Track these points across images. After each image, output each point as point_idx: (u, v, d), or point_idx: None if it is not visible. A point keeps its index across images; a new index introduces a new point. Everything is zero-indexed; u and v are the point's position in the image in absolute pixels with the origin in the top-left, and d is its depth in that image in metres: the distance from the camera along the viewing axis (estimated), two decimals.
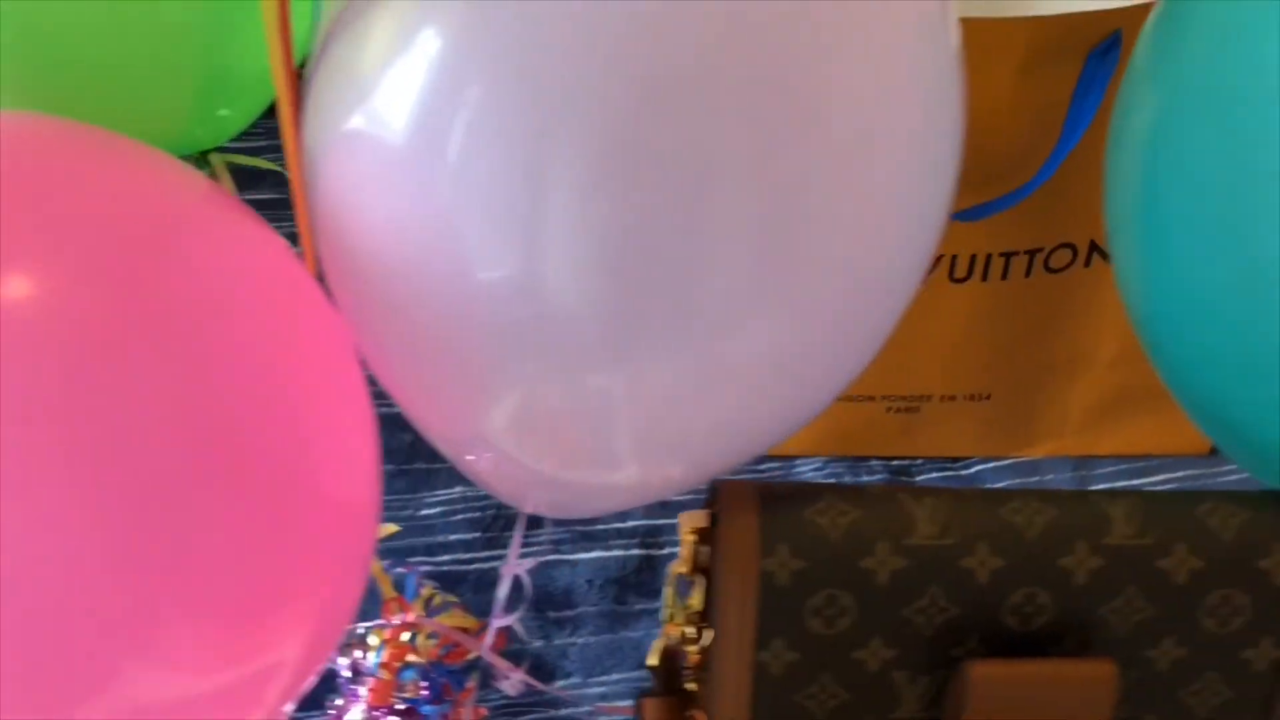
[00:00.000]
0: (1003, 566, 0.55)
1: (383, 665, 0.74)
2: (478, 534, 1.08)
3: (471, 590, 1.04)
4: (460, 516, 1.09)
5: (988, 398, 0.97)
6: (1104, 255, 0.82)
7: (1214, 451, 0.94)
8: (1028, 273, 0.89)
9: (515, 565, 0.70)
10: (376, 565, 0.75)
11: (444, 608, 0.78)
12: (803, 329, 0.55)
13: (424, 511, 1.08)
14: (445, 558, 1.05)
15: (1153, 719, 0.58)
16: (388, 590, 0.75)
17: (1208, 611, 0.56)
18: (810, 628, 0.55)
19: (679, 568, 0.58)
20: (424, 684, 0.75)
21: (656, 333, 0.53)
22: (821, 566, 0.55)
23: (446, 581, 1.03)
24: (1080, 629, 0.56)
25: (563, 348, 0.54)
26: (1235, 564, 0.55)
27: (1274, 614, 0.56)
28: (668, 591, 0.59)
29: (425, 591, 0.78)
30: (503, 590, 0.73)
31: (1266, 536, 0.56)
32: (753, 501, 0.55)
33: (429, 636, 0.76)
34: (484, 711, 0.79)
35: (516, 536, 0.71)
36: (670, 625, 0.59)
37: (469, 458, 0.63)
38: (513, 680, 0.77)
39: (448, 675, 0.76)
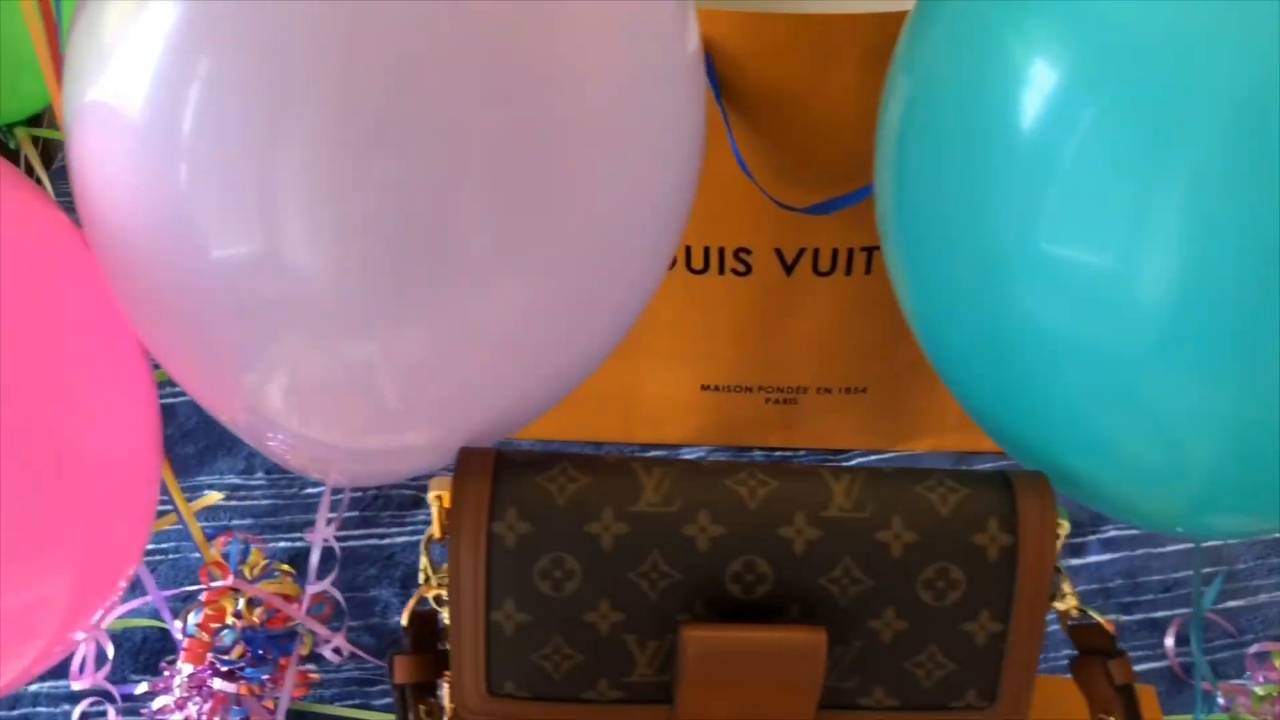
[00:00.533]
0: (723, 534, 0.57)
1: (200, 626, 0.77)
2: (355, 512, 1.11)
3: (340, 567, 1.07)
4: (340, 495, 1.12)
5: (864, 390, 0.99)
6: None
7: None
8: None
9: (321, 533, 0.73)
10: (198, 531, 0.78)
11: (270, 575, 0.81)
12: (551, 292, 0.57)
13: (308, 490, 1.11)
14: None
15: (881, 690, 0.60)
16: (207, 555, 0.78)
17: (925, 584, 0.58)
18: (539, 589, 0.58)
19: (431, 532, 0.60)
20: (248, 648, 0.78)
21: (406, 301, 0.55)
22: (548, 530, 0.57)
23: (321, 556, 1.07)
24: (802, 599, 0.58)
25: (315, 324, 0.56)
26: (950, 538, 0.57)
27: (990, 589, 0.58)
28: (423, 556, 0.61)
29: (254, 557, 0.81)
30: (314, 557, 0.76)
31: (982, 513, 0.58)
32: (487, 467, 0.58)
33: (252, 603, 0.78)
34: (314, 677, 0.82)
35: (323, 506, 0.73)
36: (424, 587, 0.62)
37: (266, 436, 0.66)
38: (333, 645, 0.80)
39: (269, 640, 0.79)
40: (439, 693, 0.63)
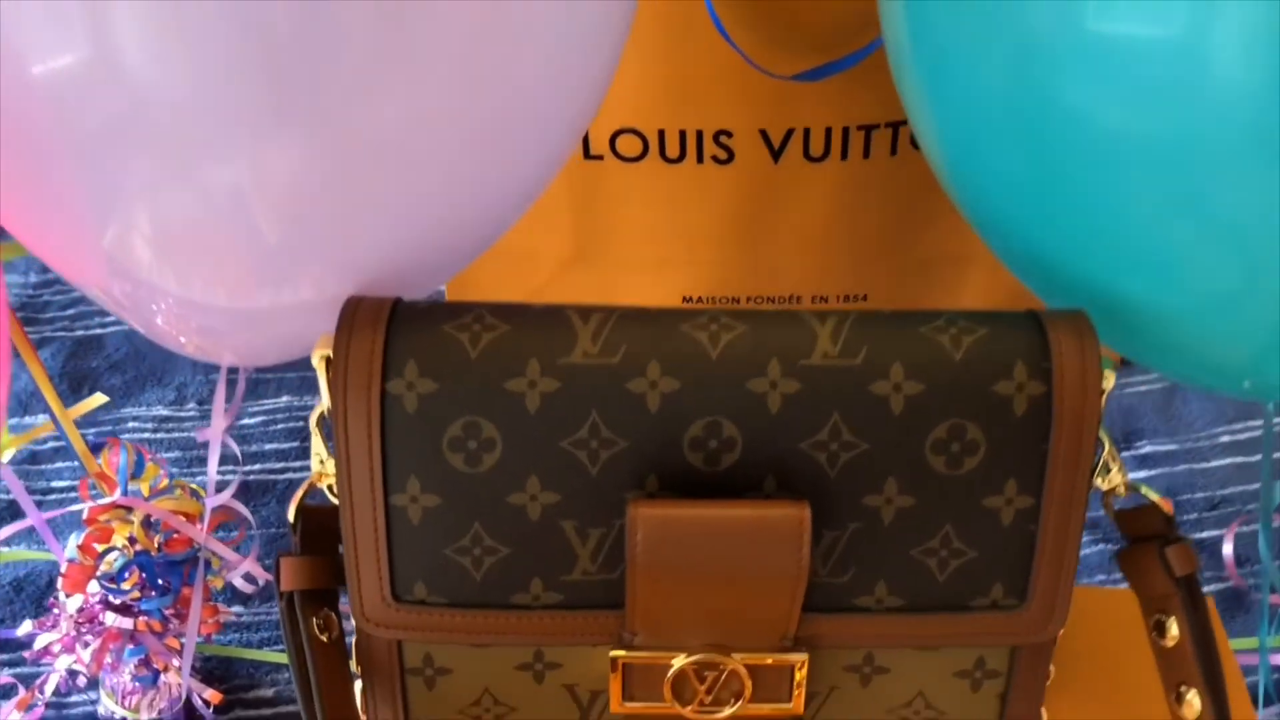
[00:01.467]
0: (679, 390, 0.46)
1: (81, 549, 0.66)
2: (295, 444, 1.00)
3: (277, 500, 0.96)
4: (280, 426, 1.01)
5: (864, 298, 0.87)
6: None
7: (1125, 362, 0.84)
8: (892, 150, 0.79)
9: (216, 430, 0.62)
10: (77, 437, 0.67)
11: (169, 491, 0.70)
12: (447, 95, 0.46)
13: (244, 421, 1.01)
14: (255, 467, 0.97)
15: (883, 585, 0.48)
16: (90, 465, 0.67)
17: (935, 448, 0.46)
18: (450, 465, 0.46)
19: (322, 407, 0.49)
20: (145, 577, 0.67)
21: (275, 107, 0.44)
22: (458, 389, 0.46)
23: (254, 491, 0.95)
24: (780, 470, 0.46)
25: (170, 146, 0.45)
26: (965, 388, 0.45)
27: (1017, 452, 0.46)
28: (314, 436, 0.50)
29: (149, 471, 0.70)
30: (212, 462, 0.65)
31: (1006, 355, 0.46)
32: (380, 315, 0.46)
33: (151, 525, 0.67)
34: (226, 613, 0.71)
35: (218, 399, 0.62)
36: (316, 475, 0.50)
37: (148, 310, 0.55)
38: (241, 571, 0.69)
39: (168, 567, 0.68)
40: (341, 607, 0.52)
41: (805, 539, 0.45)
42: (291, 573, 0.49)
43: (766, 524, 0.44)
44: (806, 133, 0.77)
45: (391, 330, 0.46)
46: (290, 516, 0.50)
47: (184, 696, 0.71)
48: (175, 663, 0.69)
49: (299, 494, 0.50)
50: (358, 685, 0.52)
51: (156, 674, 0.70)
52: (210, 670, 0.78)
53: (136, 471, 0.68)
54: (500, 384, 0.45)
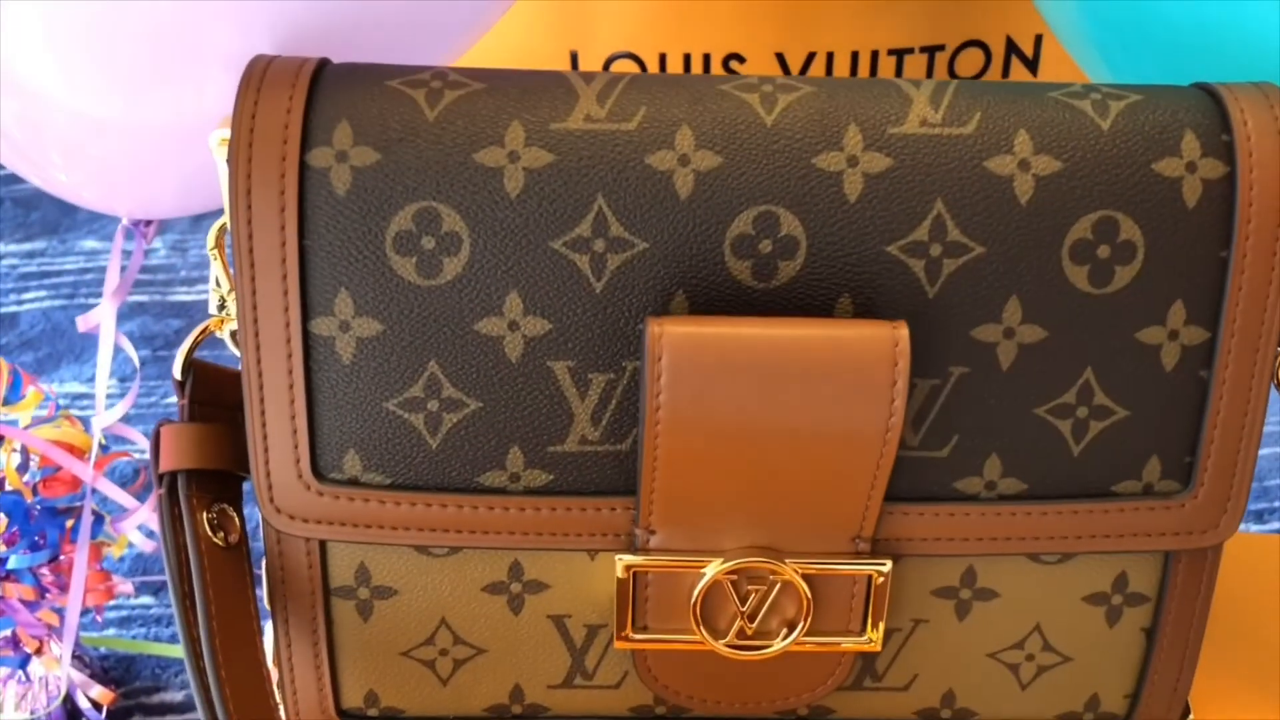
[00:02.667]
0: (720, 168, 0.33)
1: None
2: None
3: None
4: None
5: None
6: (1025, 58, 0.62)
7: None
8: (928, 77, 0.68)
9: (107, 311, 0.49)
10: None
11: (53, 420, 0.56)
12: None
13: (168, 401, 0.88)
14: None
15: (998, 462, 0.35)
16: None
17: (1076, 253, 0.33)
18: (396, 273, 0.33)
19: (224, 218, 0.36)
20: (16, 526, 0.53)
21: None
22: (409, 160, 0.32)
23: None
24: (860, 285, 0.33)
25: None
26: (1117, 168, 0.33)
27: (1188, 261, 0.34)
28: (214, 265, 0.37)
29: (31, 397, 0.56)
30: (102, 356, 0.51)
31: (1171, 125, 0.34)
32: (300, 73, 0.33)
33: (25, 463, 0.54)
34: (124, 588, 0.57)
35: (113, 262, 0.49)
36: (216, 321, 0.37)
37: (54, 162, 0.42)
38: (134, 519, 0.55)
39: (47, 516, 0.54)
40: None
41: (902, 377, 0.32)
42: (175, 446, 0.36)
43: (843, 352, 0.31)
44: (830, 57, 0.65)
45: (317, 90, 0.33)
46: (176, 372, 0.37)
47: (63, 692, 0.57)
48: (55, 648, 0.55)
49: (188, 343, 0.37)
50: (267, 627, 0.38)
51: (27, 657, 0.55)
52: (107, 669, 0.64)
53: (11, 396, 0.55)
54: (469, 155, 0.32)
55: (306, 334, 0.33)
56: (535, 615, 0.37)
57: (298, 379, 0.33)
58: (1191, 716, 0.41)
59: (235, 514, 0.37)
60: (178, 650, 0.64)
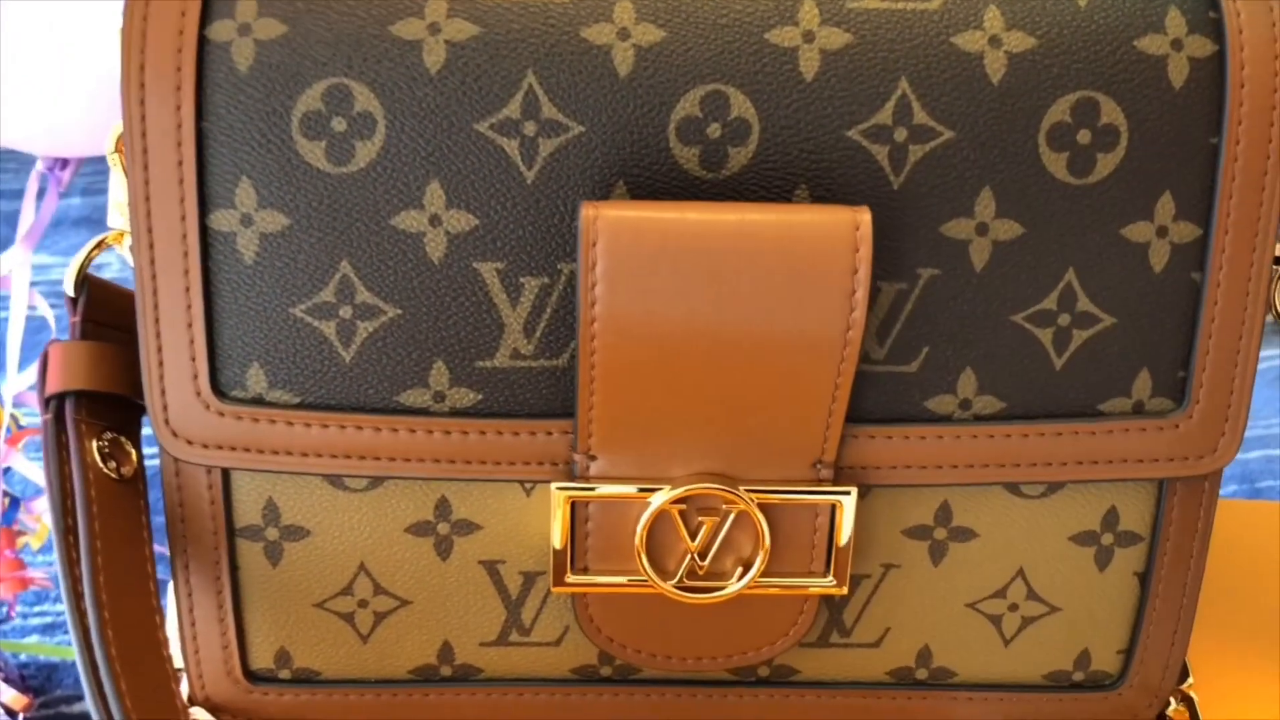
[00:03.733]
0: (663, 42, 0.30)
1: None
2: None
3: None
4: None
5: None
6: None
7: None
8: None
9: (20, 260, 0.45)
10: None
11: None
12: None
13: None
14: None
15: (972, 377, 0.32)
16: None
17: (1054, 139, 0.30)
18: (304, 159, 0.29)
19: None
20: None
21: None
22: (318, 33, 0.29)
23: None
24: (818, 174, 0.30)
25: None
26: (1096, 46, 0.30)
27: (1175, 148, 0.31)
28: (114, 173, 0.34)
29: None
30: (12, 335, 0.47)
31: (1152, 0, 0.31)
32: None
33: None
34: (34, 577, 0.53)
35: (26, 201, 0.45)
36: (116, 234, 0.34)
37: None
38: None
39: None
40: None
41: (864, 265, 0.29)
42: (63, 365, 0.32)
43: (799, 238, 0.28)
44: None
45: None
46: (68, 287, 0.34)
47: None
48: None
49: (82, 255, 0.33)
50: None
51: None
52: (26, 677, 0.59)
53: None
54: (384, 27, 0.29)
55: (205, 230, 0.30)
56: (465, 561, 0.34)
57: (194, 281, 0.30)
58: (1191, 680, 0.38)
59: (132, 449, 0.33)
60: None
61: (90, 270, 0.34)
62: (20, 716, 0.54)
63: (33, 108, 0.41)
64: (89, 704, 0.31)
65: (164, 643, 0.32)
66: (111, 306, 0.34)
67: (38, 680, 0.60)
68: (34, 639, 0.62)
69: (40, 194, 0.46)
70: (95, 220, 0.88)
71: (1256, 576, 0.43)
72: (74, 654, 0.60)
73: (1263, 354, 0.87)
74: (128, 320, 0.33)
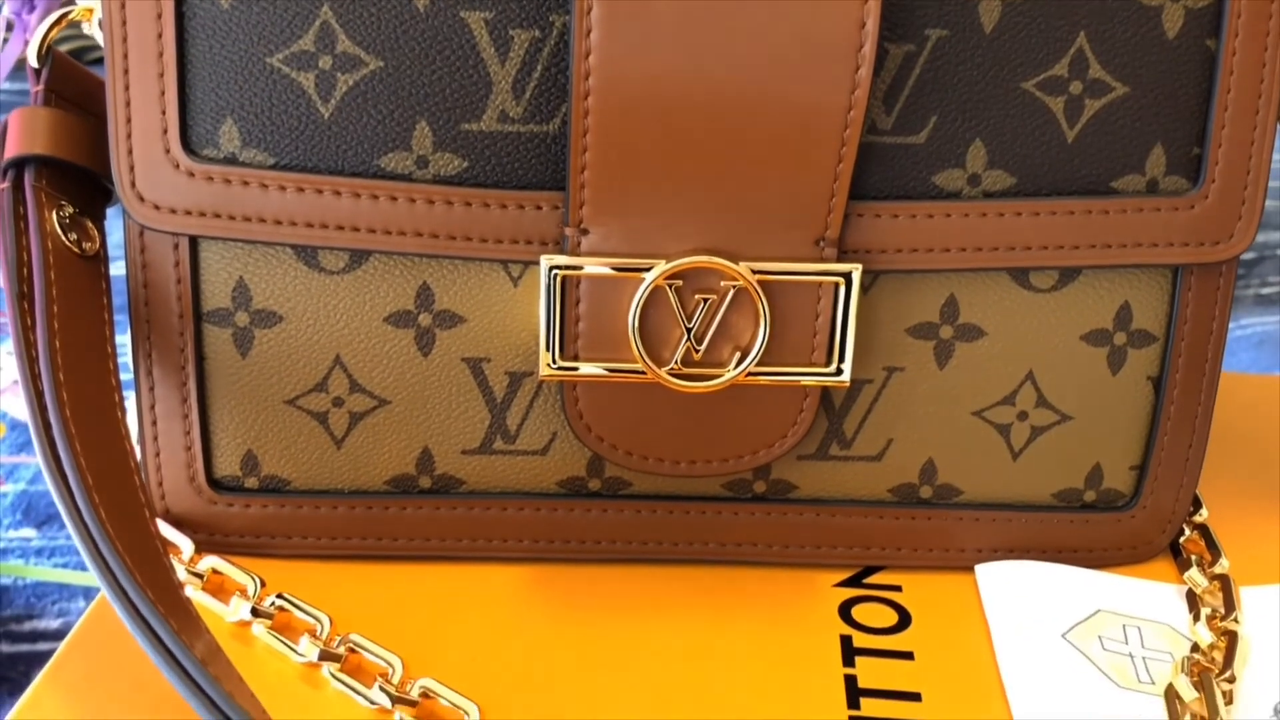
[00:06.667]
0: None
1: None
2: None
3: None
4: None
5: None
6: None
7: None
8: None
9: None
10: None
11: None
12: None
13: None
14: None
15: (981, 149, 0.30)
16: None
17: None
18: None
19: None
20: None
21: None
22: None
23: None
24: None
25: None
26: None
27: None
28: None
29: None
30: None
31: None
32: None
33: None
34: None
35: None
36: (84, 8, 0.32)
37: None
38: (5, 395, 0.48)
39: None
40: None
41: (871, 17, 0.27)
42: (24, 129, 0.30)
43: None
44: None
45: None
46: (31, 59, 0.32)
47: None
48: None
49: (46, 25, 0.32)
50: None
51: None
52: None
53: None
54: None
55: None
56: (448, 357, 0.32)
57: (167, 26, 0.28)
58: (1205, 512, 0.36)
59: (95, 230, 0.31)
60: (57, 573, 0.57)
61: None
62: None
63: None
64: (49, 486, 0.28)
65: (126, 434, 0.30)
66: (77, 85, 0.32)
67: None
68: None
69: (5, 39, 0.44)
70: None
71: (1266, 448, 0.42)
72: (26, 572, 0.58)
73: (1243, 321, 0.87)
74: (95, 105, 0.32)
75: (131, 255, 0.31)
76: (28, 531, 0.62)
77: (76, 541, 0.28)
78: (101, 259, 0.31)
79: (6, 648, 0.55)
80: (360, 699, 0.29)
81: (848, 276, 0.30)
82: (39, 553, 0.61)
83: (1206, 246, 0.31)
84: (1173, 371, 0.33)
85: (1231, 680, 0.30)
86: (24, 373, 0.29)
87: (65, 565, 0.59)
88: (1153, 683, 0.31)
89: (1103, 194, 0.31)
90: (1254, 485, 0.40)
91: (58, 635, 0.56)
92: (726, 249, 0.30)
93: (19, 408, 0.49)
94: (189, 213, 0.30)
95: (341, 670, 0.30)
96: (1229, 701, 0.30)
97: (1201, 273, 0.32)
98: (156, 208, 0.29)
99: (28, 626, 0.57)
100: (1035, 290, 0.32)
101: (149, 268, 0.31)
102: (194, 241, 0.31)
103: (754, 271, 0.30)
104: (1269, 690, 0.31)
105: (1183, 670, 0.31)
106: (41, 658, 0.56)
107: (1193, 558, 0.35)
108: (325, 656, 0.30)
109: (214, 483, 0.33)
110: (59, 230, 0.30)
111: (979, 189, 0.31)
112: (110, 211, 0.33)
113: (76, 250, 0.30)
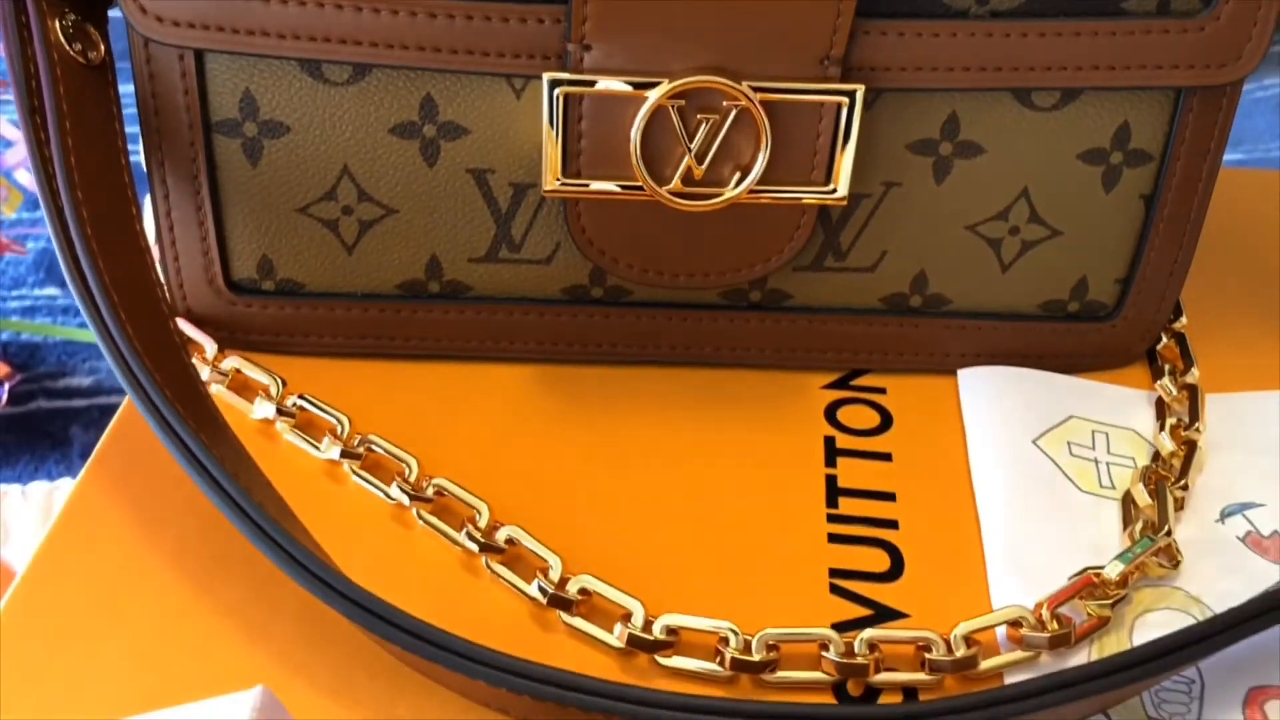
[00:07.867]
0: None
1: None
2: None
3: None
4: None
5: None
6: None
7: None
8: None
9: None
10: None
11: None
12: None
13: None
14: None
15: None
16: None
17: None
18: None
19: None
20: None
21: None
22: None
23: None
24: None
25: None
26: None
27: None
28: None
29: None
30: None
31: None
32: None
33: None
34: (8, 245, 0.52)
35: None
36: None
37: None
38: (13, 152, 0.49)
39: None
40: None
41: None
42: None
43: None
44: None
45: None
46: None
47: None
48: None
49: None
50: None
51: None
52: (9, 354, 0.59)
53: None
54: None
55: None
56: (452, 168, 0.33)
57: None
58: (1185, 320, 0.37)
59: (99, 38, 0.32)
60: (87, 334, 0.59)
61: None
62: (5, 385, 0.54)
63: None
64: (73, 295, 0.30)
65: (145, 245, 0.31)
66: None
67: (20, 358, 0.60)
68: (15, 320, 0.62)
69: None
70: None
71: (1256, 240, 0.42)
72: (58, 332, 0.60)
73: (1266, 82, 0.86)
74: None
75: (138, 67, 0.31)
76: (52, 290, 0.64)
77: (101, 345, 0.29)
78: (108, 67, 0.31)
79: (44, 403, 0.58)
80: (380, 493, 0.32)
81: (851, 96, 0.31)
82: (65, 311, 0.63)
83: (1213, 69, 0.31)
84: (1165, 190, 0.33)
85: (1185, 488, 0.33)
86: (42, 188, 0.29)
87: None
88: (1114, 487, 0.33)
89: (1112, 14, 0.30)
90: (1239, 284, 0.41)
91: (91, 392, 0.58)
92: (730, 67, 0.30)
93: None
94: (193, 25, 0.29)
95: (361, 468, 0.32)
96: (1180, 508, 0.32)
97: (1205, 95, 0.32)
98: (159, 20, 0.29)
99: (61, 384, 0.60)
100: (1036, 109, 0.32)
101: (156, 79, 0.31)
102: (199, 54, 0.31)
103: (757, 90, 0.30)
104: (1218, 496, 0.33)
105: (1140, 478, 0.33)
106: (78, 414, 0.59)
107: (1166, 366, 0.36)
108: (346, 454, 0.32)
109: (232, 285, 0.34)
110: (63, 41, 0.30)
111: (987, 8, 0.30)
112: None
113: (82, 60, 0.30)
